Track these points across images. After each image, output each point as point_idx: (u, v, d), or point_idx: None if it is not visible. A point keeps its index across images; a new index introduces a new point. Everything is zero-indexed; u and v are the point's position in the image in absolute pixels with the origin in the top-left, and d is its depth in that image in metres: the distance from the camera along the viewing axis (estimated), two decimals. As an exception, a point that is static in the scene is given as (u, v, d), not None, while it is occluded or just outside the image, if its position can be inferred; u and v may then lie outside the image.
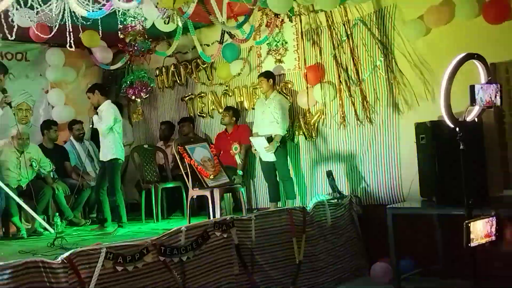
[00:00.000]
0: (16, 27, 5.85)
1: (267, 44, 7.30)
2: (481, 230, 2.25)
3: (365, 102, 6.94)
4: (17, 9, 5.56)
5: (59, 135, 8.60)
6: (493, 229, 2.22)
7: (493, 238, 2.20)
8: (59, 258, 4.29)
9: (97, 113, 7.25)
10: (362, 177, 7.10)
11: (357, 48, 6.98)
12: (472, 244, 2.26)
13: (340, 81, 7.14)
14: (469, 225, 2.20)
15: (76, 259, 4.35)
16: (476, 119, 3.54)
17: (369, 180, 7.04)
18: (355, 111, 7.02)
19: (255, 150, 7.51)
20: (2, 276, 4.00)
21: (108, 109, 7.24)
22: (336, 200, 6.75)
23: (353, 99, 7.03)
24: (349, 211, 6.78)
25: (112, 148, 7.22)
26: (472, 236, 2.21)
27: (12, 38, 6.23)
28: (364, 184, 7.08)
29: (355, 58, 6.97)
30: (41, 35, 6.31)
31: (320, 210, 6.41)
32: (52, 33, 6.00)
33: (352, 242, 6.71)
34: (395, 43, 6.72)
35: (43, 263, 4.20)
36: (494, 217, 2.22)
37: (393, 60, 6.74)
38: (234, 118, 8.06)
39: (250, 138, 7.52)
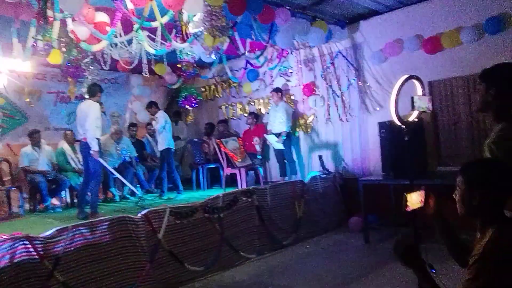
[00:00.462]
0: (109, 61, 6.04)
1: (278, 70, 7.36)
2: (415, 199, 2.25)
3: (344, 108, 6.95)
4: (110, 49, 5.74)
5: (138, 132, 8.65)
6: (422, 199, 2.23)
7: (422, 205, 2.21)
8: (139, 215, 4.42)
9: (154, 119, 7.46)
10: (343, 159, 7.11)
11: (337, 71, 6.98)
12: (408, 209, 2.28)
13: (328, 93, 7.16)
14: (406, 195, 2.16)
15: (150, 215, 4.49)
16: (416, 119, 3.56)
17: (347, 161, 7.06)
18: (338, 114, 7.03)
19: (269, 142, 7.56)
20: (102, 226, 4.17)
21: (160, 116, 7.41)
22: (325, 175, 6.78)
23: (336, 105, 7.05)
24: (334, 183, 6.82)
25: (165, 141, 7.34)
26: (408, 203, 2.22)
27: (107, 69, 6.44)
28: (344, 164, 7.09)
29: (337, 78, 6.99)
30: (126, 67, 6.49)
31: (314, 182, 6.48)
32: (133, 65, 6.17)
33: (335, 204, 6.75)
34: (364, 68, 6.74)
35: (129, 218, 4.34)
36: (423, 190, 2.23)
37: (363, 79, 6.76)
38: (255, 120, 8.11)
39: (265, 135, 7.53)
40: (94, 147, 5.57)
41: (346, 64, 6.88)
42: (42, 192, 6.83)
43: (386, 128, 5.86)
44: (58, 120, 8.13)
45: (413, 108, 3.33)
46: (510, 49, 5.24)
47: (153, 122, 7.47)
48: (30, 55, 5.07)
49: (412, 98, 3.33)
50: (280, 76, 7.51)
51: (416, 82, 3.55)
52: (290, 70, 7.49)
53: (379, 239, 5.70)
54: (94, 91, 5.80)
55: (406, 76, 3.54)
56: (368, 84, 6.71)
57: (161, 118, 7.38)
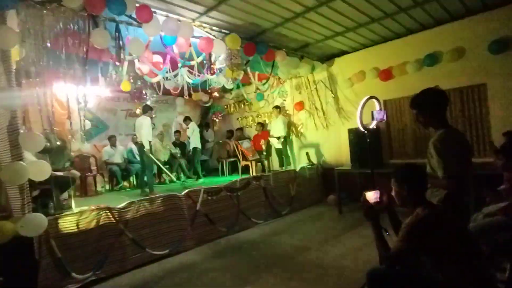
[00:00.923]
0: (162, 87, 6.08)
1: (278, 92, 7.31)
2: (372, 196, 2.16)
3: (324, 119, 6.90)
4: (163, 80, 5.78)
5: (181, 137, 8.68)
6: (377, 196, 2.15)
7: (378, 200, 2.15)
8: (182, 193, 4.46)
9: (188, 128, 7.55)
10: (323, 155, 7.02)
11: (319, 93, 6.92)
12: (367, 204, 2.07)
13: (312, 109, 7.09)
14: (365, 194, 2.05)
15: (190, 193, 4.51)
16: (375, 127, 3.56)
17: (326, 156, 6.96)
18: (321, 123, 6.93)
19: (272, 143, 7.52)
20: (158, 200, 4.22)
21: (191, 126, 7.53)
22: (310, 166, 6.71)
23: (318, 117, 6.95)
24: (317, 171, 6.75)
25: (194, 142, 7.42)
26: (367, 199, 2.11)
27: (160, 94, 6.48)
28: (323, 158, 7.00)
29: (319, 98, 6.97)
30: (173, 92, 6.52)
31: (303, 171, 6.43)
32: (178, 91, 6.20)
33: (318, 186, 6.68)
34: (338, 90, 6.67)
35: (176, 196, 4.39)
36: (378, 190, 2.17)
37: (337, 98, 6.69)
38: (261, 127, 8.00)
39: (269, 138, 7.46)
40: (147, 147, 5.69)
41: (325, 88, 6.84)
42: (117, 177, 6.94)
43: (353, 133, 5.81)
44: (128, 128, 8.20)
45: (372, 119, 3.33)
46: (442, 77, 5.19)
47: (188, 130, 7.58)
48: (109, 84, 5.15)
49: (372, 112, 3.34)
50: (279, 97, 7.47)
51: (375, 100, 3.56)
52: (286, 93, 7.45)
53: (349, 210, 5.67)
54: (146, 109, 5.93)
55: (368, 96, 3.55)
56: (341, 102, 6.67)
57: (192, 128, 7.52)
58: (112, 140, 7.23)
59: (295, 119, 7.47)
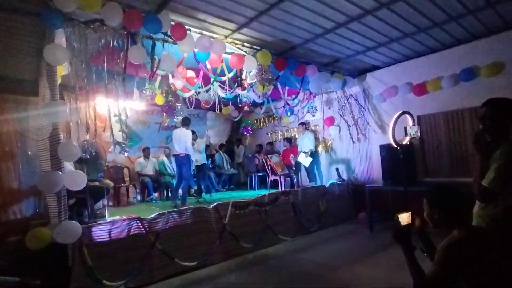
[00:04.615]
0: (194, 102, 6.23)
1: (308, 107, 7.20)
2: (405, 218, 2.04)
3: (356, 134, 6.70)
4: (195, 94, 5.90)
5: (210, 150, 8.78)
6: (410, 218, 2.03)
7: (410, 222, 2.03)
8: (211, 206, 4.47)
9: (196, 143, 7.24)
10: (354, 171, 6.86)
11: (350, 108, 6.79)
12: (400, 226, 1.98)
13: (342, 124, 6.98)
14: (398, 216, 1.95)
15: (219, 207, 4.50)
16: (408, 143, 3.41)
17: (357, 172, 6.79)
18: (352, 138, 6.78)
19: (300, 159, 7.39)
20: (187, 212, 4.24)
21: (199, 141, 7.22)
22: (340, 182, 6.57)
23: (350, 133, 6.80)
24: (347, 187, 6.59)
25: (202, 158, 7.11)
26: (400, 221, 2.02)
27: (192, 108, 6.63)
28: (354, 174, 6.84)
29: (350, 114, 6.81)
30: (205, 106, 6.66)
31: (332, 187, 6.29)
32: (209, 105, 6.32)
33: (348, 203, 6.50)
34: (369, 105, 6.52)
35: (204, 208, 4.37)
36: (410, 212, 2.05)
37: (369, 114, 6.54)
38: (289, 143, 7.96)
39: (297, 158, 7.35)
40: (194, 157, 5.80)
41: (356, 104, 6.72)
42: (149, 188, 6.98)
43: (386, 149, 5.63)
44: (160, 141, 8.40)
45: (406, 134, 3.20)
46: (479, 92, 4.92)
47: (195, 145, 6.92)
48: (143, 98, 5.32)
49: (405, 127, 3.21)
50: (308, 112, 7.39)
51: (408, 116, 3.43)
52: (316, 108, 7.39)
53: (380, 229, 5.46)
54: (187, 122, 6.00)
55: (401, 111, 3.43)
56: (371, 117, 6.50)
57: (201, 144, 7.17)
58: (145, 152, 7.35)
59: (325, 134, 7.39)
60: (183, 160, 5.80)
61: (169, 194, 7.32)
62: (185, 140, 5.77)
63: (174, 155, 6.04)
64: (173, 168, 7.38)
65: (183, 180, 5.83)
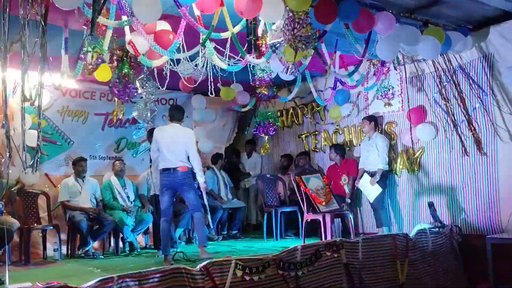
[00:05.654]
0: (168, 78, 6.23)
1: (376, 90, 7.19)
2: None
3: (468, 139, 6.63)
4: (170, 64, 5.92)
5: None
6: None
7: None
8: (198, 267, 4.41)
9: None
10: (462, 208, 6.74)
11: (457, 91, 6.69)
12: None
13: (442, 121, 6.92)
14: None
15: (211, 268, 4.40)
16: None
17: (468, 210, 6.68)
18: (460, 147, 6.71)
19: (361, 186, 7.39)
20: (153, 279, 4.17)
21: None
22: (437, 229, 6.38)
23: (459, 136, 6.71)
24: (450, 240, 6.37)
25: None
26: None
27: (164, 89, 6.64)
28: (464, 215, 6.72)
29: (457, 101, 6.67)
30: (188, 85, 6.65)
31: (422, 237, 6.09)
32: (196, 84, 6.31)
33: (452, 268, 6.28)
34: (495, 88, 6.38)
35: (185, 270, 4.30)
36: None
37: (495, 100, 6.40)
38: (338, 155, 7.96)
39: (357, 184, 7.46)
40: (202, 177, 6.24)
41: (469, 84, 6.57)
42: (82, 233, 7.00)
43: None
44: (107, 147, 8.46)
45: None
46: None
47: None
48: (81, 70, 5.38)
49: None
50: (379, 99, 7.32)
51: None
52: (392, 92, 7.27)
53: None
54: (181, 114, 6.33)
55: None
56: (500, 109, 6.37)
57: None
58: (78, 166, 7.43)
59: (407, 139, 7.24)
60: (183, 179, 6.08)
61: (119, 244, 7.40)
62: (187, 144, 6.11)
63: (163, 170, 6.16)
64: (129, 196, 7.57)
65: (196, 209, 6.21)
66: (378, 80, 6.95)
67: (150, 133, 6.93)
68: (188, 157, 6.12)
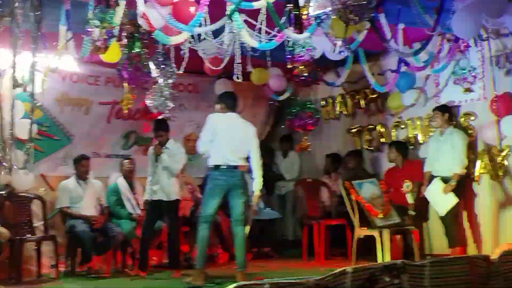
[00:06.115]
0: (187, 58, 6.20)
1: (452, 72, 7.06)
2: None
3: None
4: (190, 42, 5.89)
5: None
6: None
7: None
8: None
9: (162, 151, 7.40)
10: None
11: None
12: None
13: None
14: None
15: (237, 295, 4.41)
16: None
17: None
18: None
19: (431, 192, 7.23)
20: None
21: (174, 147, 7.46)
22: (529, 250, 6.30)
23: None
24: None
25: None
26: None
27: (182, 71, 6.62)
28: None
29: None
30: (213, 68, 6.62)
31: (508, 261, 6.02)
32: (223, 65, 6.26)
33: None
34: None
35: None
36: None
37: None
38: (399, 155, 7.86)
39: (424, 193, 7.30)
40: (260, 185, 6.55)
41: None
42: (85, 246, 7.08)
43: None
44: (115, 143, 8.55)
45: None
46: None
47: (163, 156, 7.10)
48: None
49: None
50: (455, 83, 7.18)
51: None
52: (473, 74, 7.11)
53: None
54: (237, 102, 6.51)
55: None
56: None
57: (180, 153, 7.37)
58: (81, 166, 7.52)
59: (491, 136, 7.16)
60: (240, 180, 6.34)
61: (127, 260, 7.47)
62: (249, 141, 6.39)
63: (216, 167, 6.26)
64: (139, 203, 7.64)
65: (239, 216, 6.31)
66: (451, 58, 6.82)
67: (158, 124, 7.09)
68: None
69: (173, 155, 7.07)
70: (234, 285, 4.40)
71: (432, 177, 7.20)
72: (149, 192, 7.13)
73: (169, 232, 7.21)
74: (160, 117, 7.33)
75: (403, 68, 7.26)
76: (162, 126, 7.10)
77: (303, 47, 6.72)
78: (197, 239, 6.29)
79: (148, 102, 7.00)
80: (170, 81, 6.91)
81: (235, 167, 6.18)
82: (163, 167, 7.02)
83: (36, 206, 7.28)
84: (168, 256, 7.61)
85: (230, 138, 6.16)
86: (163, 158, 6.99)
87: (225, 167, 6.16)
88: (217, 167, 6.22)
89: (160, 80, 6.75)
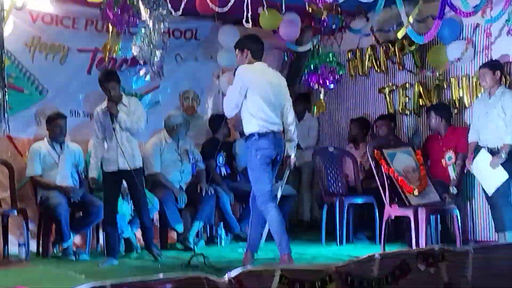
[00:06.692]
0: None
1: (506, 20, 6.97)
2: None
3: None
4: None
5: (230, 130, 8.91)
6: None
7: None
8: (226, 277, 4.45)
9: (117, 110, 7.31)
10: None
11: None
12: None
13: None
14: None
15: (246, 279, 4.45)
16: None
17: None
18: None
19: (473, 170, 7.25)
20: (164, 288, 4.22)
21: (133, 103, 7.42)
22: None
23: None
24: None
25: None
26: None
27: (180, 13, 6.58)
28: None
29: None
30: (214, 8, 6.55)
31: None
32: (230, 4, 6.23)
33: None
34: None
35: (208, 280, 4.35)
36: None
37: None
38: (442, 120, 7.81)
39: (469, 166, 7.28)
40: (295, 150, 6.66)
41: None
42: (60, 222, 7.09)
43: None
44: (94, 99, 8.43)
45: None
46: None
47: (121, 115, 6.90)
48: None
49: None
50: (508, 35, 7.15)
51: None
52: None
53: None
54: (263, 46, 6.38)
55: None
56: None
57: (140, 108, 7.37)
58: (55, 126, 7.57)
59: None
60: (283, 148, 6.41)
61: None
62: (285, 97, 6.46)
63: (261, 135, 6.21)
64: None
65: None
66: (510, 4, 6.73)
67: (108, 75, 7.05)
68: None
69: (132, 113, 6.94)
70: (239, 271, 4.48)
71: (478, 148, 7.16)
72: (104, 163, 6.95)
73: (138, 209, 7.16)
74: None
75: (449, 14, 7.20)
76: (114, 77, 6.93)
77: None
78: (268, 221, 6.46)
79: (134, 50, 6.91)
80: (163, 26, 6.87)
81: (279, 132, 6.27)
82: (123, 128, 6.83)
83: (1, 174, 7.38)
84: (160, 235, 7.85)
85: (268, 97, 6.15)
86: (122, 118, 6.77)
87: (268, 133, 6.16)
88: (260, 135, 6.21)
89: (150, 23, 6.68)
